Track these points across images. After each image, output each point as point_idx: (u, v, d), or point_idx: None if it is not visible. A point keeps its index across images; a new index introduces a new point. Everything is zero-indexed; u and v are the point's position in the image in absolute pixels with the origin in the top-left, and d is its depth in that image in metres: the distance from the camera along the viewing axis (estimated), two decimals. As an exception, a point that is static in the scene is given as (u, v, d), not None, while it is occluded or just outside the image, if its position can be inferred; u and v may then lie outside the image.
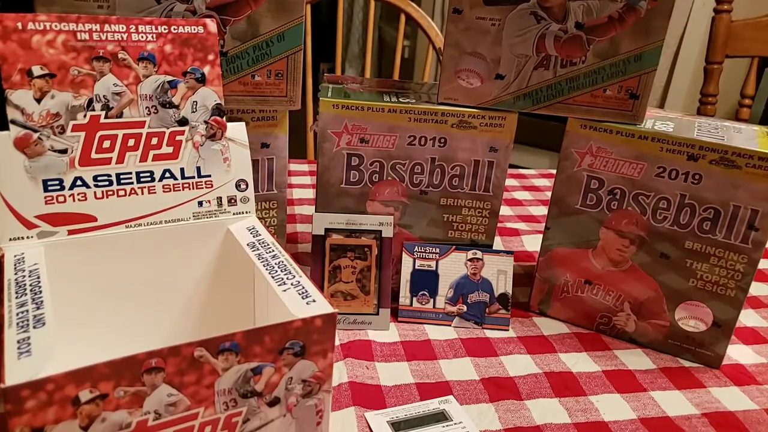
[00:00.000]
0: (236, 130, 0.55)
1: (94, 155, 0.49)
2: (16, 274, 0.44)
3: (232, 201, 0.55)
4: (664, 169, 0.64)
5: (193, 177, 0.54)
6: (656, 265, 0.67)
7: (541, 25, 0.64)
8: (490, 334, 0.70)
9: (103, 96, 0.49)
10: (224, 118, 0.55)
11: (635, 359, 0.68)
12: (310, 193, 1.05)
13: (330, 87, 0.70)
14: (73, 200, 0.49)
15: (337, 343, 0.66)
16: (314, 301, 0.44)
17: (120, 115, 0.50)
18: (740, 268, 0.64)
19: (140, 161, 0.51)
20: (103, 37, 0.49)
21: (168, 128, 0.52)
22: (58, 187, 0.48)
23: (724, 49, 1.33)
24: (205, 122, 0.54)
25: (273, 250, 0.51)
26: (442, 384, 0.61)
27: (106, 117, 0.50)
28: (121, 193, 0.51)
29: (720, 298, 0.66)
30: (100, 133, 0.50)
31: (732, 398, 0.63)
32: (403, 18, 1.44)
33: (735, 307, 0.66)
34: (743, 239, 0.63)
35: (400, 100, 0.68)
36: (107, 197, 0.50)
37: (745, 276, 0.64)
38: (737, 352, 0.71)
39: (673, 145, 0.63)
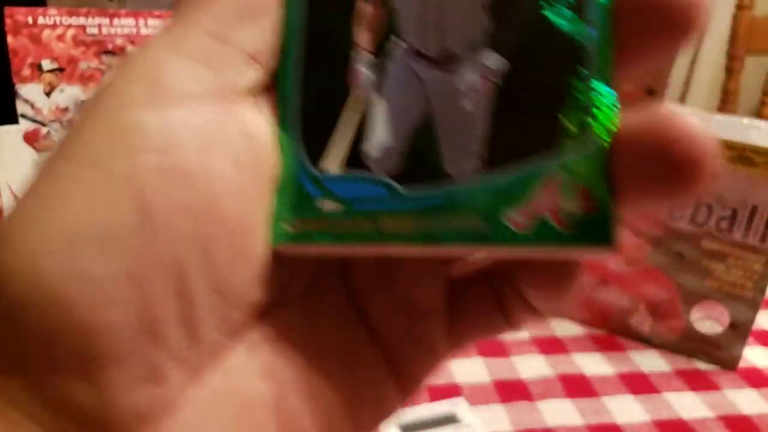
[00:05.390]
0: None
1: (102, 150, 0.50)
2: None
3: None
4: (681, 167, 0.63)
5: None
6: (672, 265, 0.66)
7: None
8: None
9: (113, 91, 0.49)
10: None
11: (649, 361, 0.67)
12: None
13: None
14: (82, 195, 0.49)
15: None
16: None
17: (129, 109, 0.50)
18: (758, 269, 0.62)
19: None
20: (112, 32, 0.49)
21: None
22: (67, 181, 0.48)
23: (745, 45, 1.30)
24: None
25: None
26: (452, 386, 0.61)
27: (115, 112, 0.50)
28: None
29: (737, 298, 0.65)
30: (109, 127, 0.50)
31: (748, 401, 0.62)
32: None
33: (752, 308, 0.64)
34: (761, 239, 0.61)
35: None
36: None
37: (763, 277, 0.63)
38: (754, 354, 0.70)
39: (690, 143, 0.62)
